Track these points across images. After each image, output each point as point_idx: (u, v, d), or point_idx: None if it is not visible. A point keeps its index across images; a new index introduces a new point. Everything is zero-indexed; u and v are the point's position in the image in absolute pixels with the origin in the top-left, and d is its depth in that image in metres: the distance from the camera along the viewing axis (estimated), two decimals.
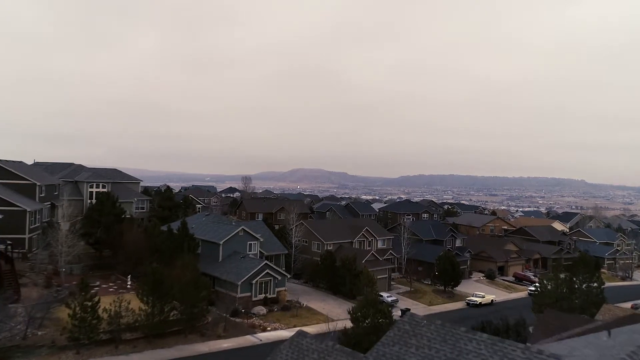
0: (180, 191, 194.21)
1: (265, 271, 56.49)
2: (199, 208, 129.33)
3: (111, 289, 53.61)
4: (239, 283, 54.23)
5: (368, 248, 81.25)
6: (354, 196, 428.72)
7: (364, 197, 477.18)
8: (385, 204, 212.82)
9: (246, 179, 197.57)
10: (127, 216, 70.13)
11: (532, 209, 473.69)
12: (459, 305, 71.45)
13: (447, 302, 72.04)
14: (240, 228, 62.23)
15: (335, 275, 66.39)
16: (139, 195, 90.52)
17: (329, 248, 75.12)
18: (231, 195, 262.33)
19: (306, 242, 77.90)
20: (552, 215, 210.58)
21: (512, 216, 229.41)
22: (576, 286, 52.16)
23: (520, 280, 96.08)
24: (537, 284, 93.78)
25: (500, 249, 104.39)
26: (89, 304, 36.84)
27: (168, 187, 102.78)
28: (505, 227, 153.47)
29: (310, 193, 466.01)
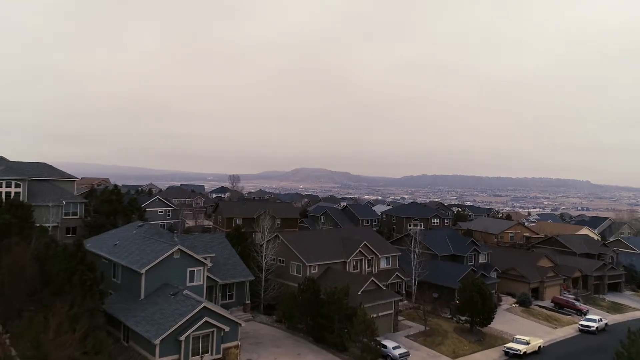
0: (139, 191, 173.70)
1: (204, 319, 36.03)
2: (169, 212, 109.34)
3: None
4: (158, 341, 33.87)
5: (367, 269, 60.77)
6: (356, 196, 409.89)
7: (366, 197, 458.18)
8: (389, 206, 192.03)
9: (234, 178, 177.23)
10: (47, 225, 50.12)
11: (537, 209, 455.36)
12: (493, 355, 50.97)
13: (476, 350, 51.52)
14: (175, 248, 41.82)
15: (319, 315, 45.96)
16: (74, 197, 70.33)
17: (312, 272, 54.67)
18: (222, 196, 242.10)
19: (283, 261, 57.49)
20: (576, 220, 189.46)
21: (527, 219, 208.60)
22: None
23: (561, 306, 75.47)
24: (586, 313, 75.36)
25: (532, 265, 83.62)
26: None
27: (116, 186, 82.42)
28: (527, 234, 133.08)
29: (311, 193, 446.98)
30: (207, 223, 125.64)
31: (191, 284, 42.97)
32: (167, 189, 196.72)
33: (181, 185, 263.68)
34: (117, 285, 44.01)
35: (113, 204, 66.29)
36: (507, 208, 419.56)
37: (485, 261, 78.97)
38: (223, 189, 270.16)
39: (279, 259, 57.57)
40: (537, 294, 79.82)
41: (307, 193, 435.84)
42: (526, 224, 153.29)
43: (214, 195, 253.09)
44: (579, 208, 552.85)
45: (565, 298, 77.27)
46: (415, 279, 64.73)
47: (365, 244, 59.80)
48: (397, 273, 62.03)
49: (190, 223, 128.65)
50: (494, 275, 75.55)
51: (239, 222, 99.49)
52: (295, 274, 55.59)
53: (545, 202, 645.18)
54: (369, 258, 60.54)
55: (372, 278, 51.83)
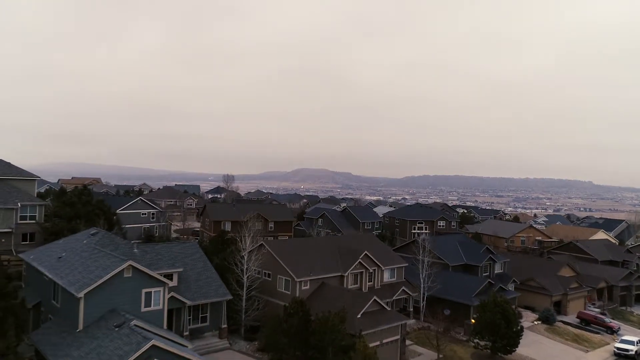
0: (128, 191, 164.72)
1: None
2: (153, 214, 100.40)
3: None
4: None
5: (369, 284, 51.85)
6: (357, 197, 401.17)
7: (368, 197, 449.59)
8: (391, 208, 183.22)
9: (228, 178, 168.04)
10: None
11: (539, 210, 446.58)
12: None
13: None
14: (125, 265, 32.96)
15: (310, 345, 37.15)
16: (32, 198, 61.45)
17: (303, 288, 45.85)
18: (218, 196, 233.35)
19: (269, 275, 48.66)
20: (587, 222, 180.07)
21: (535, 221, 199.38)
22: None
23: (587, 322, 66.61)
24: (617, 331, 66.49)
25: (552, 275, 74.76)
26: None
27: (85, 186, 73.50)
28: (540, 238, 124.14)
29: (312, 193, 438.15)
30: (198, 226, 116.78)
31: (147, 308, 34.18)
32: (159, 189, 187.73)
33: (175, 185, 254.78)
34: (57, 309, 35.25)
35: (75, 206, 57.49)
36: (510, 209, 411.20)
37: (501, 271, 70.04)
38: (219, 189, 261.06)
39: (265, 272, 48.75)
40: (559, 307, 71.02)
41: (307, 193, 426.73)
42: (537, 227, 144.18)
43: (210, 196, 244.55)
44: (582, 209, 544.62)
45: (592, 313, 68.34)
46: (424, 294, 55.90)
47: (366, 254, 50.91)
48: (403, 287, 53.15)
49: (178, 225, 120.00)
50: (511, 287, 66.70)
51: (228, 226, 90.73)
52: (283, 290, 46.74)
53: (547, 203, 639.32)
54: (371, 271, 51.65)
55: (375, 297, 42.94)
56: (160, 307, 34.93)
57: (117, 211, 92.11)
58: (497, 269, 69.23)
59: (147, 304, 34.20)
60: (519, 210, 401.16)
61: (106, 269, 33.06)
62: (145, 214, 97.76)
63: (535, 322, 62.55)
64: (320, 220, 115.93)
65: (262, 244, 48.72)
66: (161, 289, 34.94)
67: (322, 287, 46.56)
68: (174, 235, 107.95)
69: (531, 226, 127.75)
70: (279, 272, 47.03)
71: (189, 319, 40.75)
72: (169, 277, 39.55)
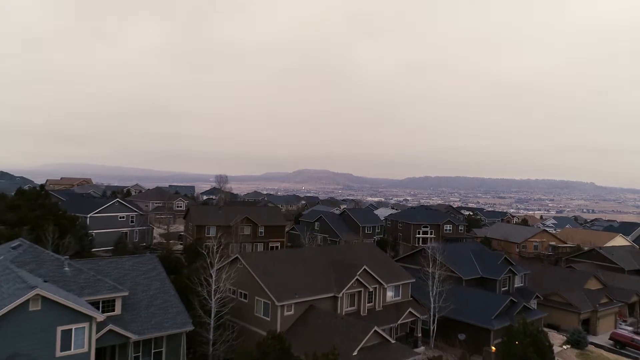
0: (114, 192, 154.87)
1: None
2: (132, 218, 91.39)
3: None
4: None
5: (368, 305, 42.64)
6: (358, 198, 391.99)
7: (369, 199, 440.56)
8: (394, 209, 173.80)
9: (221, 178, 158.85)
10: None
11: (541, 211, 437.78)
12: None
13: None
14: (31, 294, 23.86)
15: None
16: None
17: (287, 313, 36.69)
18: (213, 197, 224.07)
19: (245, 296, 39.53)
20: (599, 225, 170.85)
21: (543, 224, 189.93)
22: None
23: (622, 345, 57.35)
24: None
25: (578, 288, 65.59)
26: None
27: (42, 186, 64.60)
28: (553, 243, 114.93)
29: (313, 194, 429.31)
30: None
31: (66, 352, 25.10)
32: (148, 189, 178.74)
33: (169, 186, 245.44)
34: None
35: (19, 210, 48.49)
36: (512, 210, 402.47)
37: (521, 284, 60.76)
38: (215, 190, 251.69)
39: (240, 292, 39.66)
40: (587, 326, 61.84)
41: (308, 195, 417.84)
42: (550, 231, 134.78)
43: (205, 197, 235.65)
44: (585, 210, 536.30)
45: (629, 335, 58.97)
46: (434, 315, 46.77)
47: (365, 269, 41.69)
48: (410, 309, 43.94)
49: (162, 229, 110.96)
50: (534, 304, 57.46)
51: (212, 231, 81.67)
52: (262, 316, 37.60)
53: (549, 204, 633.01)
54: (371, 289, 42.42)
55: (375, 328, 33.81)
56: (85, 349, 25.84)
57: (89, 215, 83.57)
58: (517, 282, 59.99)
59: (65, 347, 25.13)
60: (522, 211, 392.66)
61: (9, 299, 24.03)
62: (123, 217, 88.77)
63: (564, 347, 53.35)
64: (316, 224, 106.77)
65: (237, 256, 39.58)
66: (86, 324, 25.84)
67: (310, 312, 37.42)
68: (156, 240, 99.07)
69: (544, 230, 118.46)
70: (257, 292, 37.90)
71: (137, 357, 31.66)
72: (110, 303, 30.57)
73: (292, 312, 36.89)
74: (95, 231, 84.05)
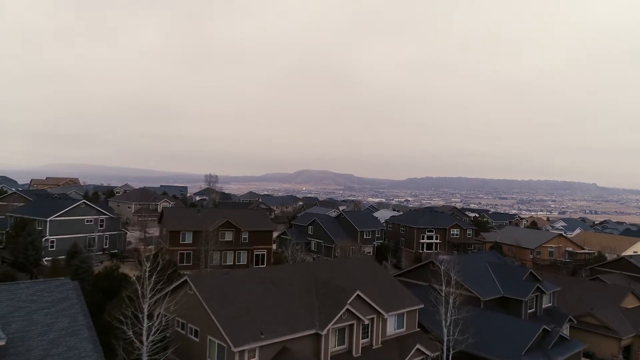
0: (97, 192, 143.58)
1: None
2: (102, 221, 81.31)
3: None
4: None
5: (363, 342, 32.43)
6: (359, 199, 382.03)
7: (370, 199, 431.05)
8: (395, 212, 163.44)
9: (210, 178, 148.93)
10: None
11: (544, 212, 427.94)
12: None
13: None
14: None
15: None
16: None
17: None
18: (206, 198, 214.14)
19: (196, 333, 29.31)
20: (611, 228, 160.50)
21: (552, 226, 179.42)
22: None
23: None
24: None
25: (614, 306, 55.27)
26: None
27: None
28: (570, 249, 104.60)
29: (314, 195, 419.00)
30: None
31: None
32: (133, 190, 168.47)
33: (160, 186, 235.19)
34: None
35: None
36: (514, 211, 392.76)
37: (550, 304, 50.42)
38: (208, 191, 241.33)
39: (190, 328, 29.45)
40: (628, 354, 51.59)
41: (308, 195, 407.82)
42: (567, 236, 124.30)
43: (198, 198, 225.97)
44: (587, 211, 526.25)
45: None
46: (448, 350, 36.51)
47: (358, 294, 31.38)
48: (417, 346, 33.63)
49: (138, 234, 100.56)
50: (566, 328, 47.17)
51: (189, 237, 71.56)
52: None
53: (552, 205, 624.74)
54: (366, 322, 32.08)
55: None
56: None
57: (49, 219, 73.62)
58: (545, 302, 49.70)
59: None
60: (524, 212, 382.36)
61: None
62: (90, 220, 78.75)
63: None
64: (310, 228, 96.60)
65: (185, 279, 29.33)
66: None
67: (282, 357, 27.15)
68: (132, 245, 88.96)
69: (560, 234, 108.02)
70: (210, 330, 27.66)
71: None
72: None
73: (255, 359, 26.62)
74: (55, 237, 74.13)
